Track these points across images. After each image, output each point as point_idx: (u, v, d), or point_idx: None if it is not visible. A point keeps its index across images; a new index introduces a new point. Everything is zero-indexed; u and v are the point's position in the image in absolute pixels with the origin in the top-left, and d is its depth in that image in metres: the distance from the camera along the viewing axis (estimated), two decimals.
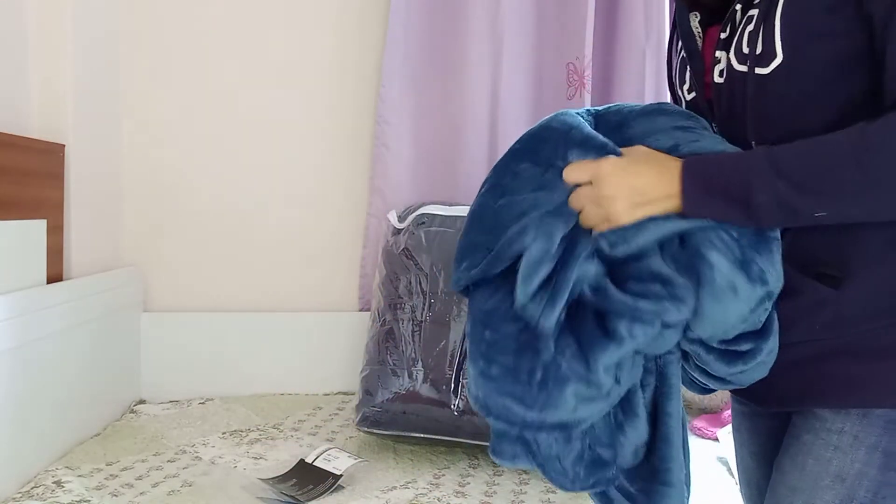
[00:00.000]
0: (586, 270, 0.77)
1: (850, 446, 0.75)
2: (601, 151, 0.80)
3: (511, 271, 0.81)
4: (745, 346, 0.77)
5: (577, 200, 0.79)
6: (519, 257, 0.80)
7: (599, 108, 0.91)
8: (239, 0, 2.14)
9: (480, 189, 0.88)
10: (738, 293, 0.73)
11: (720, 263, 0.74)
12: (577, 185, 0.79)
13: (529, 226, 0.80)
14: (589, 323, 0.77)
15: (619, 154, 0.80)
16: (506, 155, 0.88)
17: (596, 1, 2.04)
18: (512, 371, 0.77)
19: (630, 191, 0.75)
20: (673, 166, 0.76)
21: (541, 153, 0.84)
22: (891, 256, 0.73)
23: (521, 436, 0.79)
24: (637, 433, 0.80)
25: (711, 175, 0.75)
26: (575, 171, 0.80)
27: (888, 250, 0.73)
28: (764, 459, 0.89)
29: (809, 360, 0.76)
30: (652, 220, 0.76)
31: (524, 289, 0.77)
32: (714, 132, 0.83)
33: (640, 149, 0.80)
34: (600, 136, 0.82)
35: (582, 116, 0.87)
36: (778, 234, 0.75)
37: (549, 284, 0.77)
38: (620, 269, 0.78)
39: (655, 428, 0.82)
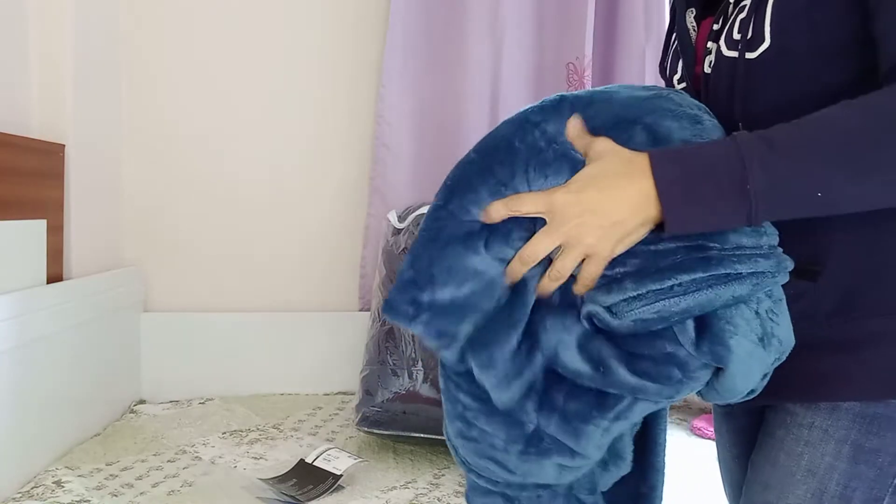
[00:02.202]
0: (564, 340, 0.69)
1: (820, 440, 0.75)
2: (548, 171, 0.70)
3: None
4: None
5: (534, 251, 0.70)
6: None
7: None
8: (238, 1, 2.14)
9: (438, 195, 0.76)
10: (752, 369, 0.69)
11: (740, 348, 0.67)
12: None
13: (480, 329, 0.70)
14: (578, 392, 0.71)
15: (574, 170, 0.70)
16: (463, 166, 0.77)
17: (596, 1, 2.04)
18: (490, 436, 0.72)
19: (597, 222, 0.68)
20: (639, 168, 0.67)
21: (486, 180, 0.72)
22: (865, 251, 0.73)
23: (503, 493, 0.76)
24: (621, 471, 0.78)
25: (691, 169, 0.67)
26: (522, 202, 0.70)
27: (863, 245, 0.73)
28: (744, 458, 0.90)
29: None
30: (662, 295, 0.66)
31: (499, 396, 0.71)
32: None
33: (600, 148, 0.70)
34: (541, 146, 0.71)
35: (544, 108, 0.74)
36: (779, 293, 0.71)
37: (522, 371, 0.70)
38: (623, 340, 0.69)
39: (643, 454, 0.80)
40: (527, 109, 0.76)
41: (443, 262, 0.72)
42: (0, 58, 1.64)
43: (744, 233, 0.69)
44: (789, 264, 0.71)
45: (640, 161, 0.68)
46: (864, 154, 0.65)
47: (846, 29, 0.71)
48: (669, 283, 0.67)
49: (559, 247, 0.70)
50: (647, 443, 0.80)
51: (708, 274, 0.67)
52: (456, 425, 0.76)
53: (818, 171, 0.65)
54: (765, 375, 0.74)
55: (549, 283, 0.71)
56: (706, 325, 0.68)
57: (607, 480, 0.79)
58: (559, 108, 0.74)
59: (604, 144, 0.70)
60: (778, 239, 0.72)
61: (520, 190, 0.72)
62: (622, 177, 0.68)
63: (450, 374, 0.77)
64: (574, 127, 0.72)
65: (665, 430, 0.81)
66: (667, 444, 0.81)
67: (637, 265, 0.69)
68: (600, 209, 0.68)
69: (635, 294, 0.67)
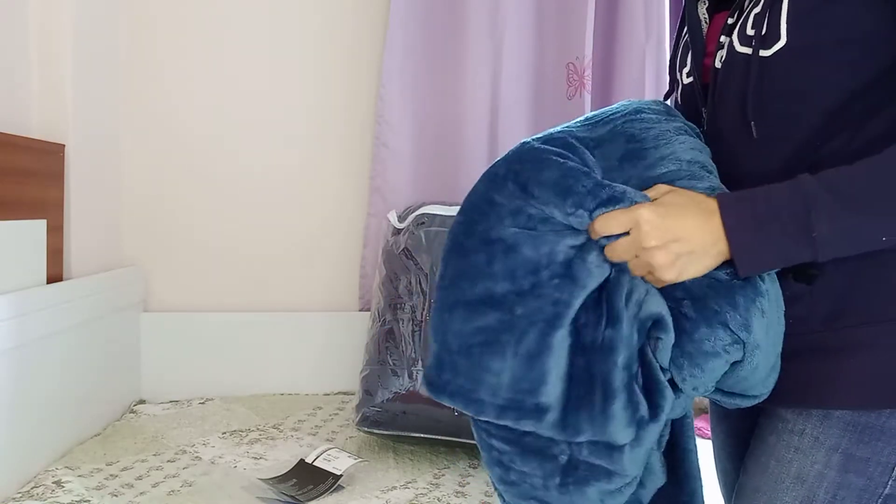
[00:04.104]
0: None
1: (811, 448, 0.75)
2: (624, 201, 0.73)
3: None
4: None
5: (615, 252, 0.73)
6: None
7: (571, 129, 0.81)
8: (238, 0, 2.14)
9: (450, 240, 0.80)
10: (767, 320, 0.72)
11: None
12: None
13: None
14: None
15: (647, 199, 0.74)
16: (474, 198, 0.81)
17: (596, 1, 2.04)
18: (529, 476, 0.75)
19: (672, 240, 0.70)
20: (711, 209, 0.71)
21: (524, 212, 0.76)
22: (860, 258, 0.72)
23: None
24: (655, 484, 0.79)
25: (760, 213, 0.69)
26: (608, 222, 0.73)
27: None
28: (738, 460, 0.90)
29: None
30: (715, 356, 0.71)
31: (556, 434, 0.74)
32: (703, 121, 0.83)
33: (669, 191, 0.74)
34: (617, 185, 0.74)
35: (559, 148, 0.77)
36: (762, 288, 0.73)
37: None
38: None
39: (678, 464, 0.80)
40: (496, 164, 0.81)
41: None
42: (0, 57, 1.64)
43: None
44: None
45: (710, 202, 0.72)
46: None
47: (864, 25, 0.70)
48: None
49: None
50: (678, 452, 0.80)
51: None
52: (496, 472, 0.77)
53: (882, 220, 0.66)
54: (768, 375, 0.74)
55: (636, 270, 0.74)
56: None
57: (646, 496, 0.79)
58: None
59: (665, 187, 0.74)
60: None
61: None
62: (700, 212, 0.71)
63: (478, 422, 0.78)
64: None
65: (693, 437, 0.81)
66: (697, 450, 0.82)
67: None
68: (683, 237, 0.70)
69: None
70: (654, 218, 0.70)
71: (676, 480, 0.81)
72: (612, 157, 0.77)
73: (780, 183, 0.70)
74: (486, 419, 0.77)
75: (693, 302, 0.71)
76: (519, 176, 0.76)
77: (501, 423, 0.76)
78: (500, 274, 0.75)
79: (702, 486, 0.81)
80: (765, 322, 0.70)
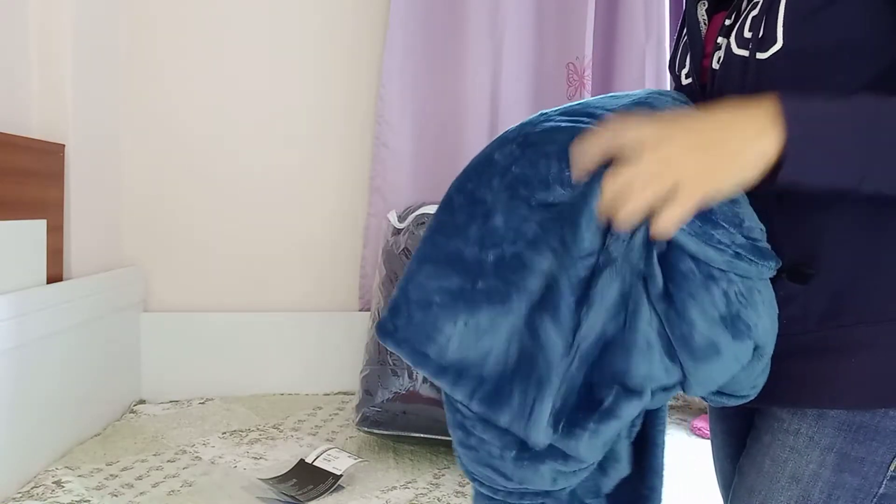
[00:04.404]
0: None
1: (806, 447, 0.75)
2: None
3: None
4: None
5: (620, 178, 0.61)
6: None
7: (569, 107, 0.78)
8: (238, 0, 2.14)
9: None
10: (718, 354, 0.68)
11: (700, 321, 0.67)
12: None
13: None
14: (565, 394, 0.71)
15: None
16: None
17: (596, 1, 2.04)
18: (487, 444, 0.74)
19: (695, 136, 0.61)
20: (753, 109, 0.62)
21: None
22: (856, 257, 0.72)
23: (505, 501, 0.77)
24: (619, 474, 0.78)
25: (818, 110, 0.63)
26: (598, 139, 0.64)
27: (854, 250, 0.72)
28: (737, 460, 0.90)
29: (773, 357, 0.76)
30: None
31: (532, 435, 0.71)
32: None
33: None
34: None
35: (578, 116, 0.74)
36: (761, 286, 0.71)
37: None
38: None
39: (642, 456, 0.79)
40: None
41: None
42: (0, 57, 1.64)
43: (720, 225, 0.68)
44: (770, 259, 0.70)
45: (762, 101, 0.63)
46: None
47: (863, 28, 0.70)
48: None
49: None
50: (646, 444, 0.80)
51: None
52: (457, 434, 0.77)
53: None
54: (754, 381, 0.73)
55: (645, 194, 0.61)
56: (670, 296, 0.67)
57: (608, 484, 0.79)
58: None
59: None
60: (762, 236, 0.72)
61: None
62: (736, 108, 0.63)
63: None
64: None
65: (664, 431, 0.80)
66: (665, 445, 0.81)
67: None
68: (711, 142, 0.61)
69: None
70: (668, 120, 0.63)
71: (639, 472, 0.80)
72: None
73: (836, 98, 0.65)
74: (424, 374, 0.77)
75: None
76: (528, 138, 0.74)
77: (437, 382, 0.77)
78: (473, 238, 0.74)
79: (662, 483, 0.81)
80: (766, 317, 0.70)
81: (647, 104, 0.75)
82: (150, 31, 2.11)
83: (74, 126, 1.81)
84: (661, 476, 0.81)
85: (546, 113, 0.78)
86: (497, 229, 0.73)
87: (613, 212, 0.63)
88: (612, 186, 0.62)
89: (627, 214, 0.62)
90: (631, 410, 0.71)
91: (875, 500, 0.73)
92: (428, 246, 0.77)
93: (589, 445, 0.72)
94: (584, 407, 0.72)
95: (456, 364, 0.74)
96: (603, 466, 0.78)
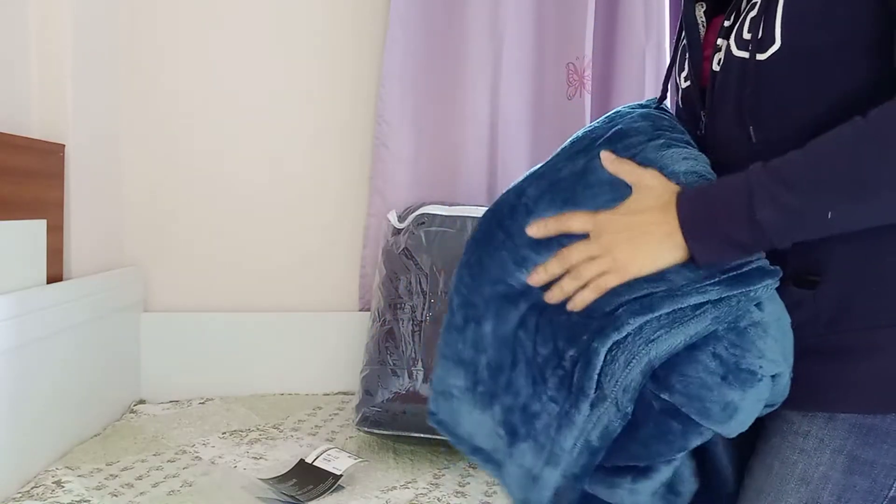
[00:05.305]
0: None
1: (815, 449, 0.75)
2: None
3: None
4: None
5: (570, 254, 0.76)
6: None
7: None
8: (238, 0, 2.14)
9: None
10: (732, 408, 0.71)
11: (706, 394, 0.71)
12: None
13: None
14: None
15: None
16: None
17: (596, 1, 2.04)
18: None
19: (629, 229, 0.74)
20: (669, 199, 0.74)
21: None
22: (863, 261, 0.72)
23: None
24: (689, 489, 0.81)
25: (710, 203, 0.72)
26: (570, 220, 0.77)
27: (861, 255, 0.72)
28: (746, 462, 0.90)
29: None
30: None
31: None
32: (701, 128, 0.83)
33: (649, 183, 0.77)
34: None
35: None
36: (756, 316, 0.73)
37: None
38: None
39: (705, 466, 0.82)
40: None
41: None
42: (0, 57, 1.64)
43: (689, 267, 0.72)
44: (760, 280, 0.72)
45: (671, 199, 0.74)
46: (870, 172, 0.66)
47: (861, 28, 0.69)
48: (625, 330, 0.72)
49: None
50: (706, 454, 0.81)
51: (656, 315, 0.71)
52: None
53: (825, 197, 0.67)
54: (765, 401, 0.74)
55: (569, 283, 0.76)
56: (665, 379, 0.72)
57: (681, 502, 0.80)
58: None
59: (654, 180, 0.76)
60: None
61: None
62: (657, 211, 0.74)
63: None
64: (612, 160, 0.78)
65: (729, 445, 0.81)
66: (734, 461, 0.83)
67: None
68: (640, 226, 0.74)
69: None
70: (612, 216, 0.75)
71: (706, 481, 0.81)
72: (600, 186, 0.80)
73: (736, 174, 0.72)
74: (463, 452, 0.87)
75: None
76: (512, 249, 0.81)
77: (472, 460, 0.86)
78: (470, 340, 0.81)
79: (732, 481, 0.82)
80: (772, 342, 0.71)
81: (614, 140, 0.80)
82: (150, 31, 2.11)
83: (74, 126, 1.81)
84: (730, 479, 0.82)
85: (524, 191, 0.82)
86: (486, 336, 0.80)
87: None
88: (563, 258, 0.77)
89: (562, 294, 0.77)
90: (663, 475, 0.75)
91: (885, 502, 0.72)
92: (442, 342, 0.84)
93: (631, 499, 0.75)
94: (613, 473, 0.76)
95: (482, 449, 0.82)
96: (674, 488, 0.79)
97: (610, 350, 0.72)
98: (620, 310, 0.72)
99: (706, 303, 0.71)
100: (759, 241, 0.70)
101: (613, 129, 0.81)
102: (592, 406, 0.72)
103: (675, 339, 0.71)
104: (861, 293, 0.73)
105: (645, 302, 0.72)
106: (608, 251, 0.74)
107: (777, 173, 0.68)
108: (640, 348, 0.71)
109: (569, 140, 0.85)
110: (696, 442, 0.73)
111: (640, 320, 0.71)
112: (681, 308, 0.71)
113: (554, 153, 0.85)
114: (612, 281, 0.74)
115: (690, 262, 0.73)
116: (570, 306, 0.76)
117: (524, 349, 0.77)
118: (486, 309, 0.80)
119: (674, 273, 0.72)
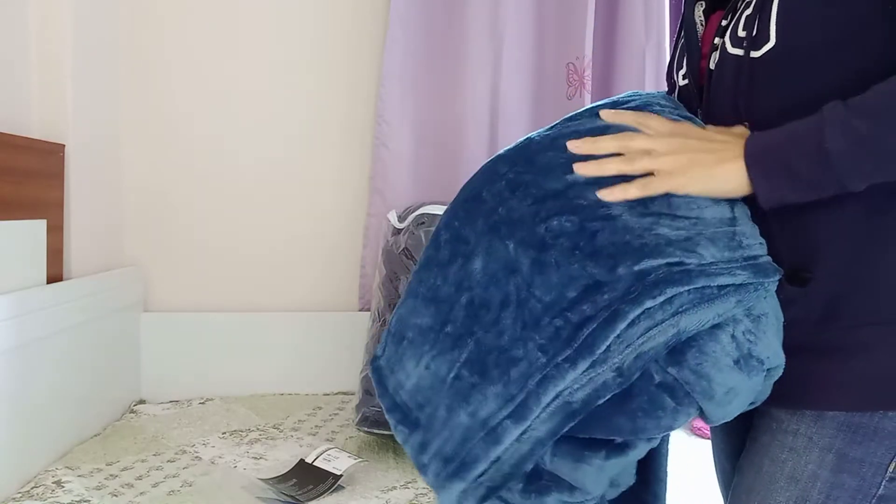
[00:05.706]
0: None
1: (804, 448, 0.75)
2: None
3: None
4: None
5: (627, 141, 0.74)
6: None
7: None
8: (238, 1, 2.14)
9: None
10: (733, 393, 0.70)
11: (716, 374, 0.68)
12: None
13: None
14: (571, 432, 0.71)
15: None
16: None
17: (596, 1, 2.04)
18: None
19: (700, 144, 0.72)
20: (743, 132, 0.74)
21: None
22: (854, 259, 0.72)
23: None
24: (626, 482, 0.78)
25: (783, 132, 0.69)
26: (598, 143, 0.75)
27: (852, 253, 0.72)
28: (736, 460, 0.90)
29: None
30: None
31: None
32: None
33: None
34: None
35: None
36: (767, 307, 0.72)
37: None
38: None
39: (646, 465, 0.79)
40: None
41: None
42: (0, 57, 1.64)
43: (717, 246, 0.69)
44: (772, 274, 0.70)
45: (744, 132, 0.73)
46: None
47: (856, 26, 0.69)
48: (660, 298, 0.66)
49: None
50: (651, 453, 0.80)
51: (688, 288, 0.67)
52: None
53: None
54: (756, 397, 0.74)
55: (616, 163, 0.73)
56: (680, 353, 0.68)
57: (612, 493, 0.79)
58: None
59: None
60: (762, 250, 0.72)
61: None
62: (730, 137, 0.73)
63: None
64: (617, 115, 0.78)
65: (668, 440, 0.81)
66: (669, 452, 0.82)
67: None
68: (704, 152, 0.72)
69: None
70: (692, 128, 0.75)
71: (644, 481, 0.80)
72: None
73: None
74: (381, 405, 0.79)
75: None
76: (518, 178, 0.76)
77: (387, 417, 0.78)
78: (452, 278, 0.75)
79: (665, 490, 0.81)
80: (774, 336, 0.71)
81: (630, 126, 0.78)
82: (150, 31, 2.11)
83: (74, 126, 1.81)
84: (665, 483, 0.81)
85: (533, 139, 0.78)
86: (474, 273, 0.74)
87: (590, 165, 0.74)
88: (609, 142, 0.74)
89: (601, 169, 0.73)
90: (639, 453, 0.72)
91: (874, 500, 0.73)
92: (414, 279, 0.79)
93: (596, 480, 0.72)
94: (588, 444, 0.72)
95: (402, 406, 0.75)
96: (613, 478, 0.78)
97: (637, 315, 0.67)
98: (653, 275, 0.67)
99: (730, 285, 0.68)
100: (825, 173, 0.66)
101: (641, 100, 0.80)
102: (591, 366, 0.67)
103: (705, 316, 0.67)
104: (851, 292, 0.73)
105: (680, 273, 0.67)
106: (671, 152, 0.72)
107: (853, 103, 0.66)
108: (668, 318, 0.66)
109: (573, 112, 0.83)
110: (681, 423, 0.71)
111: (674, 290, 0.66)
112: (709, 286, 0.67)
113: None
114: (657, 186, 0.71)
115: (734, 206, 0.72)
116: (606, 195, 0.71)
117: (518, 290, 0.71)
118: (477, 244, 0.75)
119: (709, 211, 0.71)
